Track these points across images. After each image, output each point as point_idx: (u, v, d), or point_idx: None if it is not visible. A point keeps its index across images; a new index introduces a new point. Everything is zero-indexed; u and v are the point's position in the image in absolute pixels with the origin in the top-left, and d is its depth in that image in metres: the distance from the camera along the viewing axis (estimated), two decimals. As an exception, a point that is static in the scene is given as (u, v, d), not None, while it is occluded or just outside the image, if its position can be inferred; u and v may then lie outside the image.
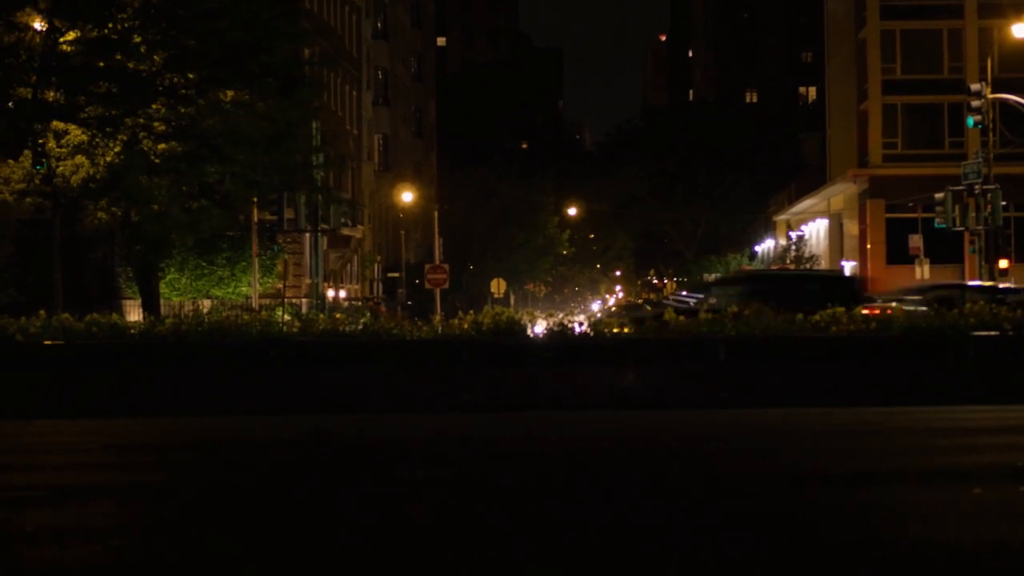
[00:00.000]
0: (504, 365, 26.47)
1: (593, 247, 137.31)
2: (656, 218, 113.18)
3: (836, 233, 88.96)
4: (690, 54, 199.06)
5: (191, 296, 56.81)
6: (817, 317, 27.58)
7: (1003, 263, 58.73)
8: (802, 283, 42.57)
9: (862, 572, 10.17)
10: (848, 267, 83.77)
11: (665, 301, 51.38)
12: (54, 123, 38.26)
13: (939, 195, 57.53)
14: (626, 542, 11.23)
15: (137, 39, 37.91)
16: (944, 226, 57.43)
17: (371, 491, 14.71)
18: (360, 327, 27.63)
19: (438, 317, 32.37)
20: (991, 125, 58.27)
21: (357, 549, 11.35)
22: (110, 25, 37.70)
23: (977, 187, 56.17)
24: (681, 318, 28.29)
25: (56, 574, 10.51)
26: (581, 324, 28.11)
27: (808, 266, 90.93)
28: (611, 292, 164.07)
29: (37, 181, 39.45)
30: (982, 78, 59.60)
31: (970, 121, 58.20)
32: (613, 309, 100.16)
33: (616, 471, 16.12)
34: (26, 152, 38.93)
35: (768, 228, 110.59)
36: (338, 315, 30.85)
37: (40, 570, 10.69)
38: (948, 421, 22.04)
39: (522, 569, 10.40)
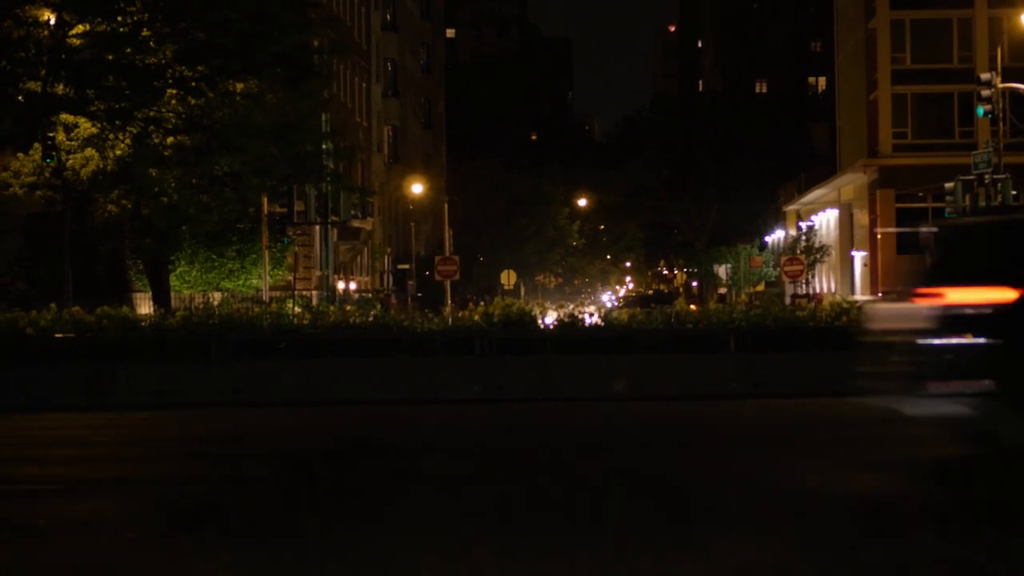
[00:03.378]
0: (515, 356, 26.45)
1: (603, 238, 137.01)
2: (666, 208, 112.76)
3: (846, 223, 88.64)
4: (699, 44, 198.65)
5: (201, 289, 56.79)
6: (827, 306, 27.55)
7: (1014, 252, 58.56)
8: None
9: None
10: (858, 257, 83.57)
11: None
12: (63, 116, 38.23)
13: (949, 185, 57.25)
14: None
15: (146, 33, 37.86)
16: (954, 216, 57.20)
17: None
18: (371, 319, 27.63)
19: (449, 309, 32.41)
20: (1001, 114, 58.06)
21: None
22: (119, 19, 37.65)
23: (987, 176, 55.95)
24: (692, 307, 28.21)
25: (67, 566, 10.51)
26: (592, 315, 28.07)
27: (817, 256, 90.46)
28: (621, 283, 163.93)
29: (47, 174, 39.45)
30: (992, 67, 59.22)
31: (980, 111, 57.86)
32: (621, 303, 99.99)
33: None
34: (36, 145, 38.91)
35: (778, 218, 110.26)
36: (348, 307, 30.83)
37: (51, 562, 10.70)
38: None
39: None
